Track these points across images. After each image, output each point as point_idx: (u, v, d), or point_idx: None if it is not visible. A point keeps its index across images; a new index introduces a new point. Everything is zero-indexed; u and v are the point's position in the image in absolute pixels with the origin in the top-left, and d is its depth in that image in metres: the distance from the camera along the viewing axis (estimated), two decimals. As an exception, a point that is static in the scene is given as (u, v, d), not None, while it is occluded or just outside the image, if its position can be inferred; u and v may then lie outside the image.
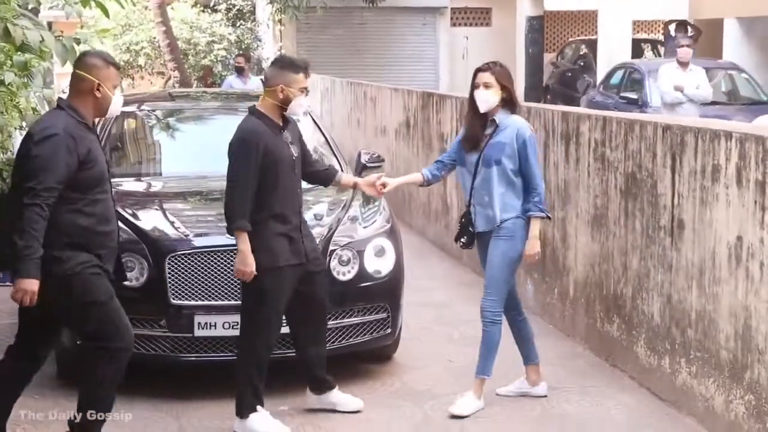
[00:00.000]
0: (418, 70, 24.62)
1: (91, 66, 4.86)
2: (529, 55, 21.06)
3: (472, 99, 5.92)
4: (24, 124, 5.31)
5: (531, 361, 6.21)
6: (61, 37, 5.58)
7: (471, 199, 5.92)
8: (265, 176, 5.46)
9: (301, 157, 5.74)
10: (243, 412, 5.59)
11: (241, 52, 21.86)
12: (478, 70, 5.92)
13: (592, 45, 23.48)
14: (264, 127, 5.57)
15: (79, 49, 5.63)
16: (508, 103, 5.89)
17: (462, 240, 6.03)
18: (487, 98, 5.83)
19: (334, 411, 5.91)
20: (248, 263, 5.42)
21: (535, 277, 8.09)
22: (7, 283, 8.81)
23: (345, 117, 16.36)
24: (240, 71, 15.82)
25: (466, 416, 5.85)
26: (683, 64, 12.23)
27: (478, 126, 5.92)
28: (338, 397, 5.95)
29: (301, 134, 5.91)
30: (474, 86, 5.88)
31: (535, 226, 5.87)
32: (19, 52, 5.14)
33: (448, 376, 6.58)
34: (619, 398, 6.19)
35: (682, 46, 12.42)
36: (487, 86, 5.82)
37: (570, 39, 27.11)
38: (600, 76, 19.72)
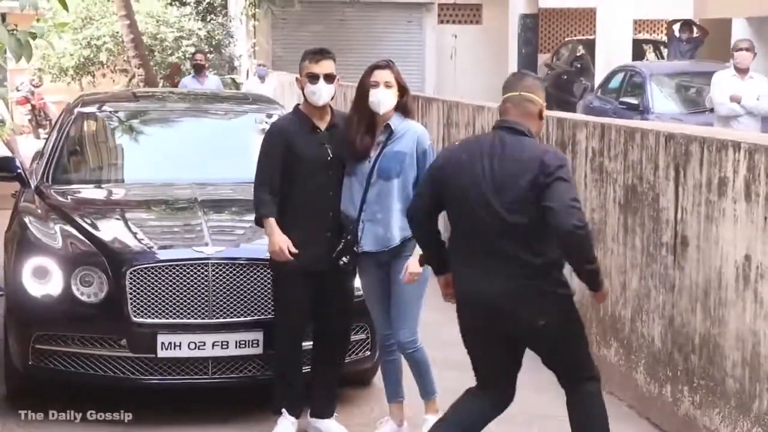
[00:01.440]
0: (403, 71, 24.39)
1: None
2: (522, 55, 21.11)
3: (361, 100, 5.66)
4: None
5: (396, 399, 6.03)
6: (15, 32, 5.54)
7: (360, 215, 5.67)
8: (287, 173, 5.68)
9: (339, 159, 5.76)
10: (273, 411, 5.93)
11: (211, 49, 21.90)
12: (375, 68, 5.67)
13: (590, 45, 23.53)
14: (294, 125, 5.83)
15: (35, 44, 5.59)
16: (403, 107, 5.72)
17: (344, 259, 5.68)
18: (387, 99, 5.61)
19: None
20: (276, 243, 5.63)
21: (527, 296, 8.07)
22: None
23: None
24: (198, 70, 15.34)
25: None
26: (741, 71, 11.50)
27: (359, 130, 5.66)
28: (329, 424, 5.99)
29: None
30: (370, 85, 5.61)
31: None
32: (-31, 48, 5.10)
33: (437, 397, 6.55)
34: (616, 428, 6.16)
35: (741, 49, 11.63)
36: (388, 86, 5.63)
37: (566, 39, 27.20)
38: (598, 79, 19.77)
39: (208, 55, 18.27)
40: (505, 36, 22.40)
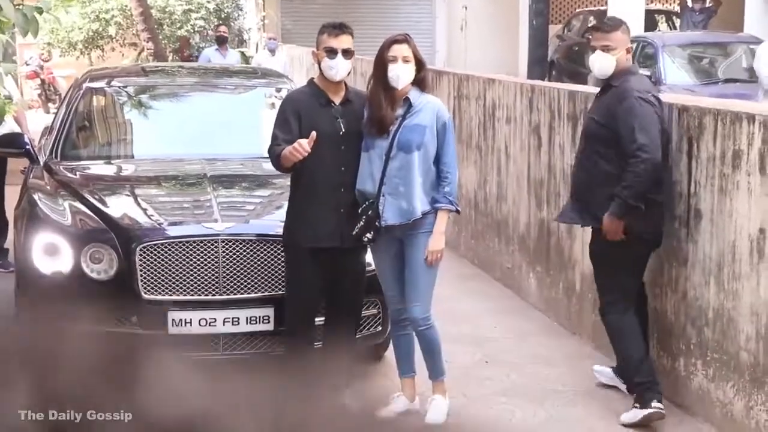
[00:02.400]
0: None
1: None
2: (532, 26, 20.95)
3: (380, 74, 5.65)
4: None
5: (408, 374, 6.03)
6: (21, 6, 5.50)
7: (380, 189, 5.65)
8: None
9: (356, 135, 5.73)
10: None
11: (220, 21, 21.81)
12: (392, 42, 5.65)
13: (601, 16, 23.36)
14: (307, 96, 5.81)
15: (42, 18, 5.56)
16: (421, 81, 5.72)
17: (368, 235, 5.65)
18: (406, 74, 5.60)
19: None
20: (290, 148, 5.51)
21: (538, 270, 8.06)
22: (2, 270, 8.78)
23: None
24: (222, 42, 15.70)
25: (443, 422, 5.82)
26: None
27: (387, 106, 5.65)
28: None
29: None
30: (388, 60, 5.60)
31: (442, 220, 5.66)
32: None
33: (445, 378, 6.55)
34: (630, 402, 6.16)
35: None
36: (406, 60, 5.61)
37: (577, 10, 27.03)
38: (610, 50, 19.63)
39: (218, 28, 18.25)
40: (515, 7, 22.29)
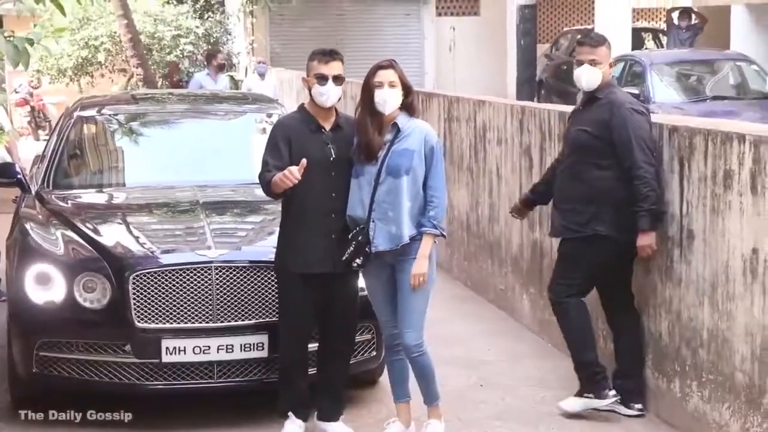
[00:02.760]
0: (402, 64, 24.00)
1: None
2: (520, 46, 21.07)
3: (367, 100, 5.67)
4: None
5: (403, 399, 5.98)
6: (12, 38, 5.50)
7: (370, 215, 5.66)
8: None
9: (346, 161, 5.73)
10: (279, 413, 5.91)
11: (209, 47, 21.81)
12: (378, 67, 5.67)
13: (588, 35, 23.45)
14: (297, 122, 5.84)
15: (32, 50, 5.56)
16: (408, 106, 5.73)
17: (357, 261, 5.66)
18: (393, 99, 5.62)
19: None
20: (279, 175, 5.56)
21: (532, 292, 8.04)
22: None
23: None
24: (220, 69, 15.82)
25: None
26: None
27: (375, 131, 5.66)
28: (336, 427, 5.96)
29: None
30: (375, 86, 5.61)
31: (426, 245, 5.60)
32: (-36, 56, 5.06)
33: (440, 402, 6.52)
34: (626, 425, 6.15)
35: None
36: (392, 85, 5.62)
37: (565, 29, 27.12)
38: (598, 69, 19.69)
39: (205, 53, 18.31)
40: (503, 27, 22.33)
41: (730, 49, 18.06)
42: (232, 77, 21.75)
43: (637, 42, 24.08)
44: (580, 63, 6.22)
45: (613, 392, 6.20)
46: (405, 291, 5.69)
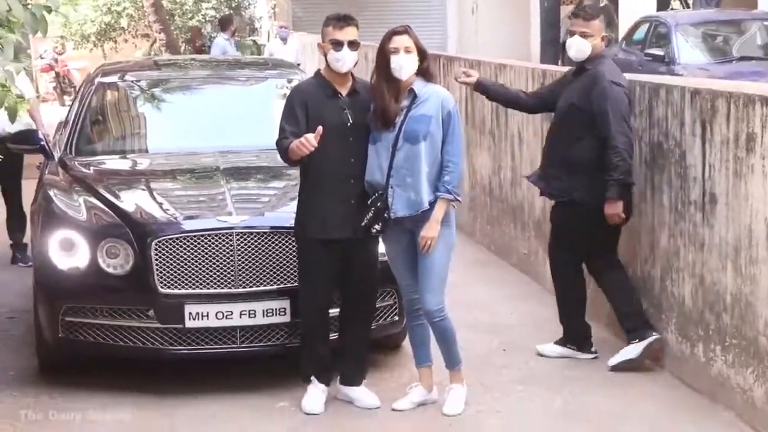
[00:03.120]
0: (425, 28, 24.36)
1: None
2: (544, 8, 20.88)
3: (383, 67, 5.65)
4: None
5: (424, 364, 6.00)
6: (29, 5, 5.49)
7: (388, 181, 5.66)
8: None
9: (364, 126, 5.73)
10: (302, 379, 5.93)
11: (231, 10, 21.79)
12: (393, 33, 5.66)
13: (613, -4, 23.24)
14: (315, 87, 5.84)
15: (50, 17, 5.55)
16: (425, 71, 5.70)
17: (376, 227, 5.67)
18: (409, 65, 5.60)
19: (351, 404, 5.96)
20: (296, 142, 5.55)
21: (555, 256, 8.02)
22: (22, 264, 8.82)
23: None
24: (234, 34, 15.90)
25: (460, 413, 5.83)
26: None
27: (391, 98, 5.65)
28: (358, 392, 5.98)
29: None
30: (390, 51, 5.60)
31: (440, 209, 5.62)
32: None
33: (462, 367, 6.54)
34: (649, 389, 6.14)
35: None
36: (408, 51, 5.61)
37: (589, -10, 26.84)
38: (623, 30, 19.55)
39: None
40: (528, -13, 22.19)
41: (758, 8, 17.83)
42: (254, 41, 21.75)
43: (664, 3, 23.84)
44: (572, 34, 6.48)
45: (594, 349, 6.63)
46: (425, 257, 5.69)
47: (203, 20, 22.62)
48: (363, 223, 5.70)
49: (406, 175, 5.64)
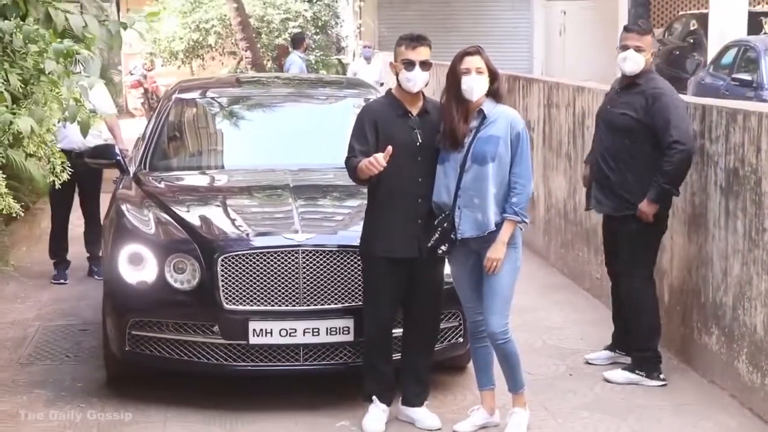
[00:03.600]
0: (511, 49, 24.39)
1: None
2: (632, 31, 20.66)
3: (453, 87, 5.64)
4: (66, 115, 5.33)
5: (487, 386, 5.95)
6: (106, 22, 5.60)
7: (455, 202, 5.65)
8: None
9: (433, 146, 5.75)
10: (363, 398, 5.90)
11: (318, 30, 21.94)
12: (465, 54, 5.65)
13: (703, 19, 22.93)
14: (385, 106, 5.86)
15: (125, 34, 5.65)
16: (495, 92, 5.68)
17: (443, 248, 5.67)
18: (480, 86, 5.60)
19: (412, 425, 5.94)
20: (365, 162, 5.63)
21: (628, 281, 7.90)
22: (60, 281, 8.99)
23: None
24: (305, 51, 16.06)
25: None
26: None
27: (461, 119, 5.65)
28: (420, 413, 5.95)
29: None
30: (462, 72, 5.61)
31: (507, 231, 5.60)
32: (59, 39, 5.16)
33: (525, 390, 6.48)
34: (718, 419, 6.03)
35: None
36: (479, 72, 5.61)
37: (679, 13, 26.58)
38: (711, 54, 19.28)
39: (315, 36, 18.53)
40: (615, 12, 22.00)
41: None
42: (339, 60, 21.89)
43: (755, 26, 23.45)
44: (625, 48, 6.50)
45: (662, 376, 6.55)
46: (490, 278, 5.66)
47: (289, 39, 22.81)
48: (429, 244, 5.71)
49: (474, 196, 5.62)
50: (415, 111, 5.82)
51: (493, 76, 5.66)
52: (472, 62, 5.62)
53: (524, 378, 5.90)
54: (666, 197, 6.42)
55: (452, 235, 5.67)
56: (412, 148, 5.72)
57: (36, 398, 6.33)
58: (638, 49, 6.47)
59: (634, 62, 6.49)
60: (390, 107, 5.83)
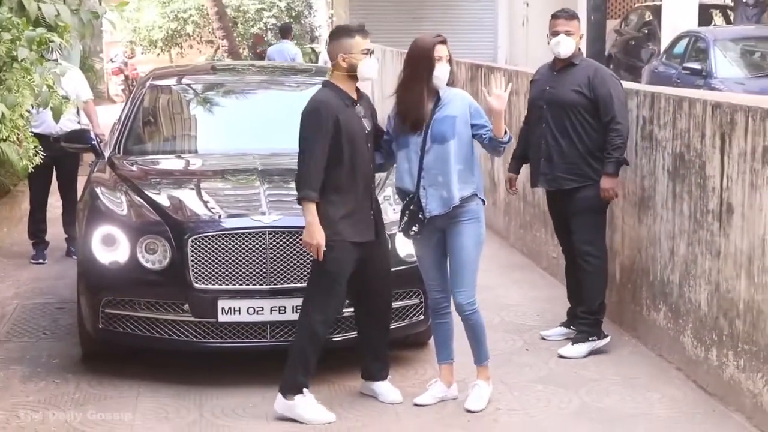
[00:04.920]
0: (477, 39, 24.33)
1: None
2: (591, 22, 20.63)
3: (426, 74, 5.58)
4: (38, 101, 5.25)
5: (446, 360, 5.92)
6: (78, 11, 5.52)
7: (419, 183, 5.62)
8: (334, 149, 5.52)
9: (373, 131, 5.73)
10: (288, 391, 5.61)
11: (291, 20, 21.86)
12: (439, 42, 5.63)
13: (658, 11, 22.96)
14: (336, 99, 5.64)
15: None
16: (452, 78, 5.70)
17: (414, 229, 5.64)
18: (446, 73, 5.62)
19: (375, 399, 5.90)
20: (314, 236, 5.45)
21: (582, 260, 7.90)
22: (39, 261, 8.91)
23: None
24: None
25: (483, 409, 5.75)
26: None
27: (422, 104, 5.61)
28: (382, 387, 5.90)
29: (374, 109, 5.89)
30: (435, 60, 5.58)
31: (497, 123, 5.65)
32: (32, 27, 5.08)
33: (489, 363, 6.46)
34: (665, 391, 6.04)
35: None
36: (448, 60, 5.65)
37: (635, 5, 26.60)
38: (664, 44, 19.32)
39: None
40: (575, 3, 21.92)
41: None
42: (313, 49, 21.79)
43: (706, 18, 23.50)
44: (556, 33, 6.68)
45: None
46: (457, 253, 5.65)
47: (264, 28, 22.69)
48: (400, 228, 5.68)
49: (437, 174, 5.60)
50: (355, 99, 5.73)
51: (451, 63, 5.65)
52: (443, 50, 5.63)
53: (488, 350, 5.88)
54: (619, 168, 6.54)
55: (420, 215, 5.63)
56: (363, 135, 5.66)
57: (12, 374, 6.28)
58: (568, 33, 6.67)
59: (567, 45, 6.66)
60: (339, 98, 5.65)
